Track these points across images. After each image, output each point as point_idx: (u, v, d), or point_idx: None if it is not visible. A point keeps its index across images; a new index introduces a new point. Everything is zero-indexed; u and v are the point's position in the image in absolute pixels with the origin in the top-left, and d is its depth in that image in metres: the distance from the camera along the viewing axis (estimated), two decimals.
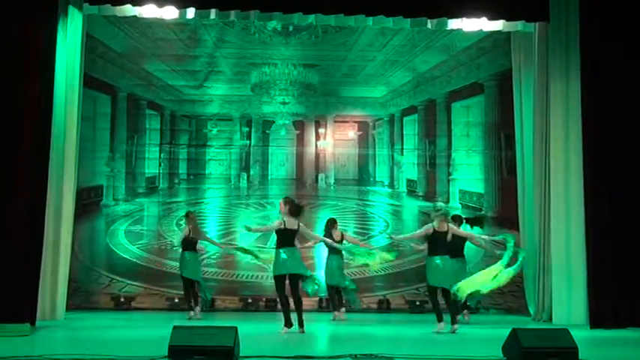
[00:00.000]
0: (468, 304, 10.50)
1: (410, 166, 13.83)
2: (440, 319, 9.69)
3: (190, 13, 10.78)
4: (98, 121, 12.95)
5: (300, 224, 9.50)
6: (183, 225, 11.51)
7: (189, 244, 11.05)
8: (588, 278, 10.51)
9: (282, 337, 9.17)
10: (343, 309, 11.17)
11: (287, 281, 9.40)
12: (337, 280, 11.04)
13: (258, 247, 11.64)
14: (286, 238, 9.41)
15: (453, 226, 9.99)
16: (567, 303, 10.69)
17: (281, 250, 9.38)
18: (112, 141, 13.07)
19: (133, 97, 13.33)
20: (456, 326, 9.57)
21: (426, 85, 13.78)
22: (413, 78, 13.75)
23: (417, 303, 11.80)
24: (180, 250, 11.15)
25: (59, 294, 10.32)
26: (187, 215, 11.33)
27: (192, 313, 10.91)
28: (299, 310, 9.39)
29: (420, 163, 13.76)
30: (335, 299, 11.21)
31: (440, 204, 10.97)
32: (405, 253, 12.77)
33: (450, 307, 9.77)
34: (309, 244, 11.38)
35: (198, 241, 11.13)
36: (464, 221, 10.85)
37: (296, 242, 9.62)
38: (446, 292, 9.80)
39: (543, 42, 11.12)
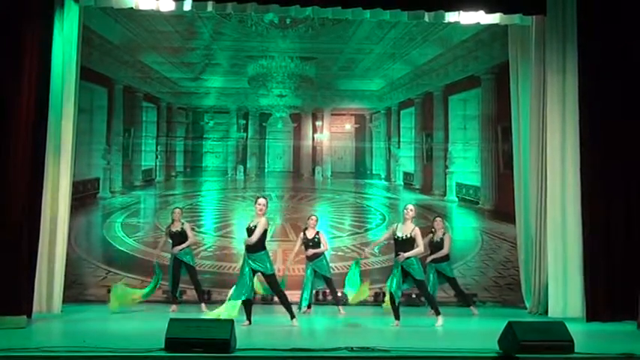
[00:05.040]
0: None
1: (407, 159, 13.83)
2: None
3: (187, 5, 10.78)
4: (95, 114, 12.93)
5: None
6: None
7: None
8: (584, 271, 10.53)
9: (278, 330, 9.18)
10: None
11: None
12: (328, 272, 11.13)
13: None
14: None
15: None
16: (563, 296, 10.73)
17: None
18: (108, 133, 13.04)
19: (129, 89, 13.30)
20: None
21: (423, 78, 13.77)
22: (410, 71, 13.74)
23: (413, 296, 11.80)
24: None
25: (55, 286, 10.32)
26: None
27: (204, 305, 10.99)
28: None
29: (416, 156, 13.77)
30: (335, 292, 11.27)
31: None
32: None
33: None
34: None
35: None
36: None
37: None
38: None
39: (540, 35, 11.13)
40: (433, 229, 11.24)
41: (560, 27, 10.90)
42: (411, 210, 9.95)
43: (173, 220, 11.23)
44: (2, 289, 9.15)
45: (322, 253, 11.04)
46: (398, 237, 9.77)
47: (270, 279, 9.50)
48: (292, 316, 9.48)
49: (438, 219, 11.40)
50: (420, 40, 13.36)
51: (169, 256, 11.22)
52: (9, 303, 9.06)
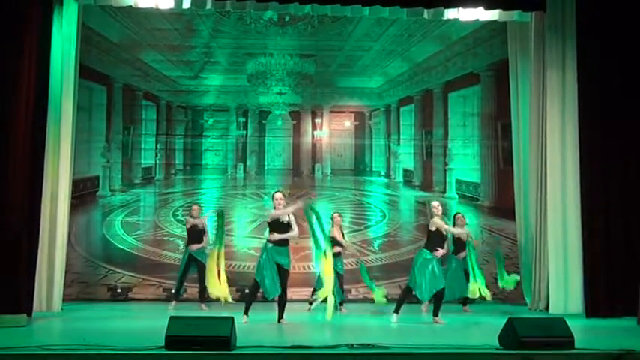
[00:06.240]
0: None
1: (406, 157, 13.82)
2: None
3: (186, 3, 10.78)
4: (94, 112, 12.92)
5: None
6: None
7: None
8: (584, 267, 10.53)
9: (278, 327, 9.19)
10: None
11: None
12: (343, 269, 11.15)
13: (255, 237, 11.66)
14: None
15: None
16: (564, 292, 10.73)
17: None
18: (108, 132, 13.04)
19: (128, 87, 13.29)
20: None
21: (422, 75, 13.77)
22: (409, 68, 13.74)
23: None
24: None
25: (56, 285, 10.33)
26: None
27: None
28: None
29: (416, 153, 13.76)
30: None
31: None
32: (402, 244, 12.83)
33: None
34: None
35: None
36: None
37: None
38: None
39: (540, 32, 11.12)
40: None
41: (559, 23, 10.89)
42: (439, 206, 10.01)
43: (192, 217, 11.25)
44: (2, 287, 9.15)
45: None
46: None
47: (286, 275, 9.56)
48: (281, 317, 9.52)
49: (460, 215, 11.23)
50: (419, 37, 13.35)
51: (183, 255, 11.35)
52: (9, 301, 9.07)
